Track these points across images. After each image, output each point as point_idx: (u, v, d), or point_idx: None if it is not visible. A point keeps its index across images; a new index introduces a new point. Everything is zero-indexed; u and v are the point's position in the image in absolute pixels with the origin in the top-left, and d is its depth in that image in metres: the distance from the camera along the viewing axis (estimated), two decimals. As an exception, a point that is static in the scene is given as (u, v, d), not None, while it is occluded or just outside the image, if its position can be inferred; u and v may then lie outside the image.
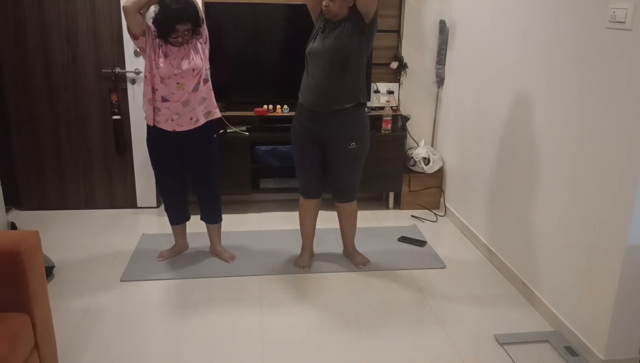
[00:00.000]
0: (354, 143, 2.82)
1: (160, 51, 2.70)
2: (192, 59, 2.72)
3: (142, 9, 2.63)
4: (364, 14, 2.66)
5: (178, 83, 2.72)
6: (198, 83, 2.77)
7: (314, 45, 2.73)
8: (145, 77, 2.75)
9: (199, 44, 2.76)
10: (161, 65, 2.69)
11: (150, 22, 2.70)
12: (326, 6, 2.63)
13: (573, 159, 2.43)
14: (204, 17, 2.79)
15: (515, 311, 2.74)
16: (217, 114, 2.93)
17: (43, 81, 3.65)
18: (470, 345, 2.45)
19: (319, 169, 2.94)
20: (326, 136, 2.81)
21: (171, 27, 2.61)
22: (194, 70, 2.73)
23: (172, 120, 2.79)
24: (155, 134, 2.86)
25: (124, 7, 2.59)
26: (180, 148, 2.90)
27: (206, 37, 2.80)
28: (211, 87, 2.88)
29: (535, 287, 2.77)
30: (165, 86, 2.72)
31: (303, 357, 2.36)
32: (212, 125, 2.93)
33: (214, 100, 2.91)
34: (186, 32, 2.66)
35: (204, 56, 2.79)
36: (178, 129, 2.81)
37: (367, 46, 2.74)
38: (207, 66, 2.82)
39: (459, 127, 3.70)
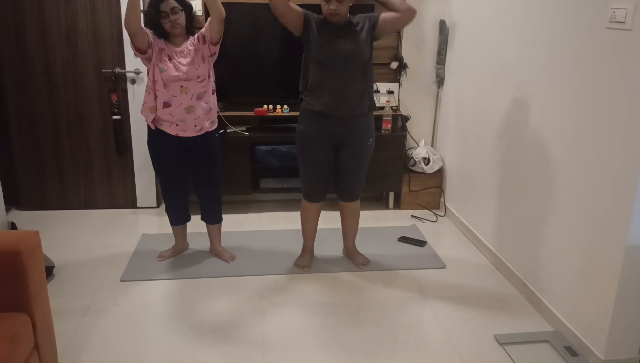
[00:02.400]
0: (371, 139, 2.88)
1: (164, 55, 2.71)
2: (199, 66, 2.73)
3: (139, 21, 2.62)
4: (384, 31, 2.72)
5: (182, 86, 2.72)
6: (205, 92, 2.78)
7: (329, 51, 2.66)
8: (147, 86, 2.76)
9: (206, 57, 2.76)
10: (165, 68, 2.69)
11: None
12: (334, 9, 2.58)
13: (573, 159, 2.43)
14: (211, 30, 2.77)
15: (515, 311, 2.74)
16: (216, 123, 2.95)
17: (43, 81, 3.65)
18: (470, 345, 2.45)
19: (328, 172, 2.93)
20: (343, 136, 2.81)
21: (156, 11, 2.64)
22: (199, 77, 2.73)
23: (177, 125, 2.79)
24: (157, 136, 2.86)
25: (126, 25, 2.57)
26: (184, 150, 2.90)
27: (215, 53, 2.80)
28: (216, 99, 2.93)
29: (536, 287, 2.77)
30: (167, 91, 2.72)
31: (303, 357, 2.36)
32: (215, 128, 2.95)
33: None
34: (174, 13, 2.66)
35: (211, 67, 2.81)
36: (181, 134, 2.82)
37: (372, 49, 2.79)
38: (214, 78, 2.85)
39: (459, 127, 3.70)
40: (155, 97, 2.76)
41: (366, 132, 2.84)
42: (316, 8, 2.75)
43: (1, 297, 1.85)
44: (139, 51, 2.68)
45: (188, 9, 2.76)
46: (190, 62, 2.72)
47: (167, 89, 2.72)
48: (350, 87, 2.70)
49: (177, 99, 2.74)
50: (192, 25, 2.82)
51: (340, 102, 2.71)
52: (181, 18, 2.70)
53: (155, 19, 2.68)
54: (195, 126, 2.81)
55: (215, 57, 2.83)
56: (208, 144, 2.91)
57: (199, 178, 2.99)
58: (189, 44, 2.76)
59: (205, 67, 2.75)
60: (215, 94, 2.89)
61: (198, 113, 2.79)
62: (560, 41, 2.50)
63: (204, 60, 2.76)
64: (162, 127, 2.81)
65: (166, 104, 2.75)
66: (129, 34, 2.62)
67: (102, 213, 3.89)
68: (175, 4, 2.67)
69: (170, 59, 2.71)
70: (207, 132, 2.87)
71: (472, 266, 3.19)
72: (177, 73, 2.69)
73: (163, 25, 2.68)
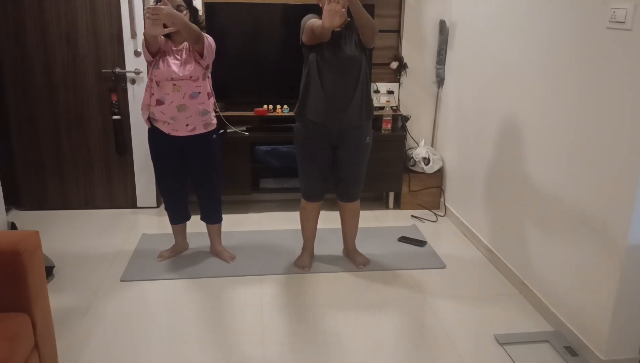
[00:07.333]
0: (369, 137, 2.88)
1: (161, 53, 2.72)
2: (192, 67, 2.72)
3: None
4: (365, 45, 2.67)
5: (174, 85, 2.72)
6: (199, 93, 2.77)
7: (327, 54, 2.65)
8: (147, 85, 2.80)
9: (201, 67, 2.76)
10: (159, 66, 2.70)
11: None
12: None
13: (573, 159, 2.43)
14: (212, 46, 2.76)
15: (515, 311, 2.74)
16: (215, 123, 2.94)
17: (43, 81, 3.65)
18: (470, 345, 2.45)
19: (326, 171, 2.93)
20: (340, 134, 2.81)
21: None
22: (191, 77, 2.73)
23: (168, 124, 2.80)
24: (154, 135, 2.87)
25: (147, 50, 2.65)
26: (179, 150, 2.90)
27: (208, 66, 2.81)
28: (214, 101, 2.92)
29: (536, 287, 2.77)
30: (160, 88, 2.74)
31: (303, 356, 2.36)
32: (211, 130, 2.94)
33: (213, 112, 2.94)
34: (179, 10, 2.66)
35: (207, 72, 2.81)
36: (174, 133, 2.82)
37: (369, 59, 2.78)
38: (210, 81, 2.85)
39: (459, 127, 3.71)
40: (152, 94, 2.77)
41: (364, 131, 2.84)
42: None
43: (1, 297, 1.86)
44: (151, 54, 2.71)
45: (194, 11, 2.78)
46: (183, 62, 2.72)
47: (159, 86, 2.73)
48: (348, 94, 2.70)
49: (170, 97, 2.74)
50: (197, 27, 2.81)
51: (336, 111, 2.71)
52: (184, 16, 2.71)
53: None
54: (187, 125, 2.81)
55: (209, 70, 2.83)
56: (202, 146, 2.90)
57: (196, 179, 2.99)
58: (188, 45, 2.76)
59: (199, 69, 2.75)
60: (213, 98, 2.89)
61: (190, 112, 2.78)
62: (560, 41, 2.50)
63: (198, 62, 2.76)
64: (157, 125, 2.83)
65: (159, 102, 2.76)
66: (146, 39, 2.65)
67: (102, 213, 3.89)
68: (181, 2, 2.71)
69: (166, 57, 2.71)
70: (200, 134, 2.87)
71: (472, 266, 3.19)
72: (169, 72, 2.70)
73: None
